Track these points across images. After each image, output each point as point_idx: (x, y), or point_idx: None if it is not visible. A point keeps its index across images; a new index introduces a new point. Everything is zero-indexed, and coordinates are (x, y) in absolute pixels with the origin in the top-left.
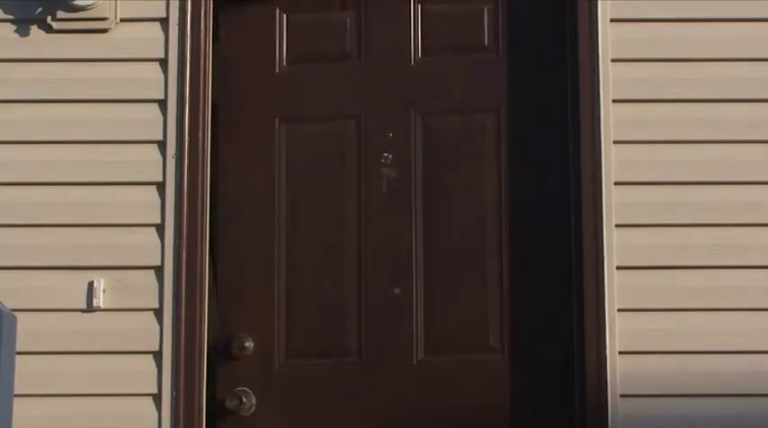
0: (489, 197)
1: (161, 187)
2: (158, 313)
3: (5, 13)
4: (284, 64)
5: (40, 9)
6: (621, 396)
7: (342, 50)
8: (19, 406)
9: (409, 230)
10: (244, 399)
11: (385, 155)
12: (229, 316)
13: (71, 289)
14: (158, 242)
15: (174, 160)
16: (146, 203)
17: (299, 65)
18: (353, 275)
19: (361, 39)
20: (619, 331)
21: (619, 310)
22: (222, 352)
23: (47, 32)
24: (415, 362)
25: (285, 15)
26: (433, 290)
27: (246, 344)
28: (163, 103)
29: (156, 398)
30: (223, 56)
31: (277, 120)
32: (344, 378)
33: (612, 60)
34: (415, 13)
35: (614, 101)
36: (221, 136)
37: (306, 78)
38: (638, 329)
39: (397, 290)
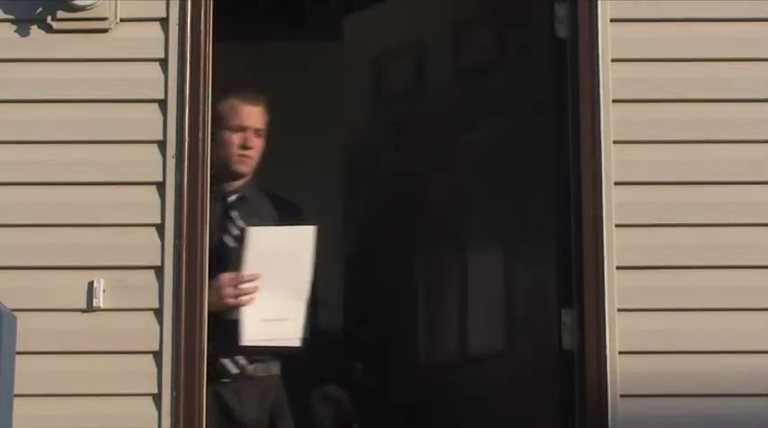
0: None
1: (161, 187)
2: (158, 313)
3: (5, 13)
4: None
5: (40, 9)
6: (621, 396)
7: None
8: (19, 406)
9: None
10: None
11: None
12: (345, 342)
13: (71, 289)
14: (158, 242)
15: (174, 160)
16: (146, 203)
17: None
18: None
19: None
20: (619, 331)
21: (619, 310)
22: (337, 370)
23: (47, 32)
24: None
25: None
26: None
27: (357, 366)
28: (163, 103)
29: (156, 398)
30: None
31: None
32: (421, 381)
33: (612, 60)
34: None
35: (614, 101)
36: None
37: None
38: (638, 329)
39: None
